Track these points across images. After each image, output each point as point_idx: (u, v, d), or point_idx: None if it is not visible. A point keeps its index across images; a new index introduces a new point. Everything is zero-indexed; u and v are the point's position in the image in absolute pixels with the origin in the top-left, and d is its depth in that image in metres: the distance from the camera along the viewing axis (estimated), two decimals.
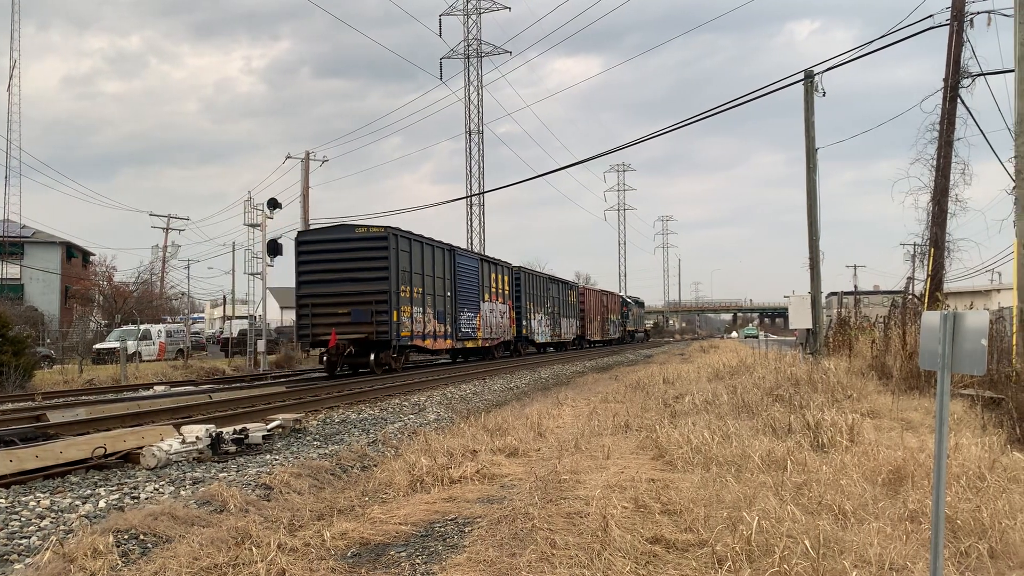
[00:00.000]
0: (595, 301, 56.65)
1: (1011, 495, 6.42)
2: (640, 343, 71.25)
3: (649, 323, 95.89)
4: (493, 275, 32.87)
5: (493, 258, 34.50)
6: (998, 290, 59.73)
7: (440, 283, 26.94)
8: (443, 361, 32.93)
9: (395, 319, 23.29)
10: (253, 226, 35.20)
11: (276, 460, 9.86)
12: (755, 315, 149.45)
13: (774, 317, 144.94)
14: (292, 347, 37.92)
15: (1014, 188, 12.95)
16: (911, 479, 6.91)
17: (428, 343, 25.78)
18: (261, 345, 32.81)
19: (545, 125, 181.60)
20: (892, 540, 5.50)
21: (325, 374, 23.77)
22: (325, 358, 23.25)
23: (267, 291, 36.12)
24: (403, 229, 24.80)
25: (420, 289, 25.23)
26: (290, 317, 55.92)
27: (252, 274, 34.98)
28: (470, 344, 29.81)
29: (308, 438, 11.72)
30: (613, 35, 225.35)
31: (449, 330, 27.57)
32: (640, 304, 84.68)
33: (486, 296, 31.54)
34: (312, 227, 32.98)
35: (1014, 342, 12.86)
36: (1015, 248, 12.86)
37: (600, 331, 56.80)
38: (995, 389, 11.86)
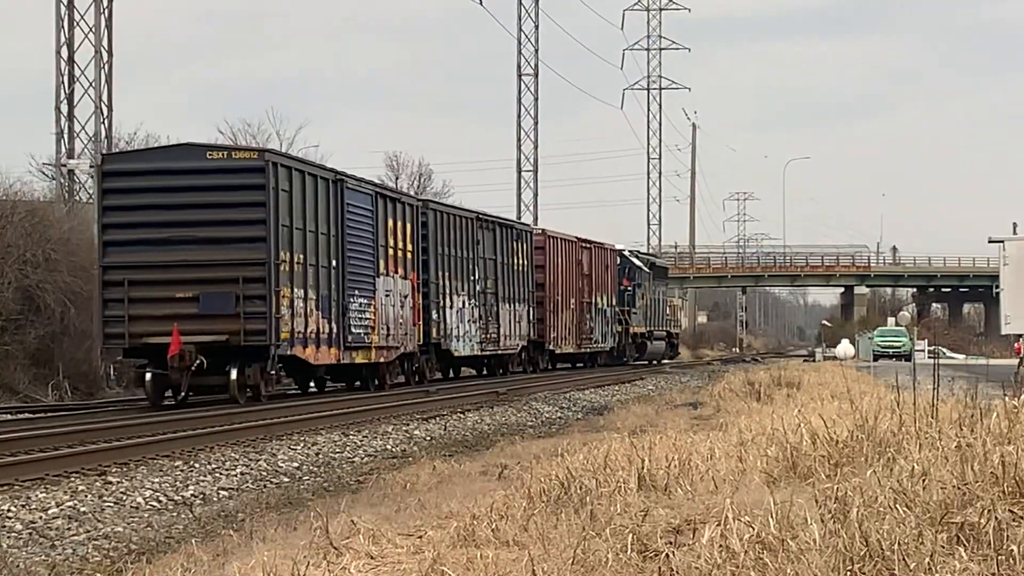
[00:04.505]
0: (566, 264, 40.51)
1: None
2: (647, 366, 48.68)
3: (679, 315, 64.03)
4: (392, 221, 27.85)
5: (391, 189, 30.96)
6: None
7: (324, 244, 24.31)
8: (293, 391, 27.33)
9: (275, 310, 21.86)
10: None
11: None
12: (908, 293, 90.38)
13: (956, 299, 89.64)
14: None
15: None
16: None
17: (309, 352, 23.64)
18: None
19: None
20: None
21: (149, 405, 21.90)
22: (149, 377, 21.61)
23: None
24: (281, 151, 23.85)
25: (302, 257, 23.16)
26: None
27: None
28: (360, 358, 26.40)
29: None
30: None
31: (335, 330, 24.82)
32: (660, 272, 55.91)
33: (382, 265, 27.25)
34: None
35: None
36: None
37: (575, 334, 41.07)
38: None
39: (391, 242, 27.86)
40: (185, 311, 21.53)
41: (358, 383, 28.18)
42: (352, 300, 25.71)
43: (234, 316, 21.56)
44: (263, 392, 22.50)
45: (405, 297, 28.57)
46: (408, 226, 28.80)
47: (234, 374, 21.49)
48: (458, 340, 32.02)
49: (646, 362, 51.83)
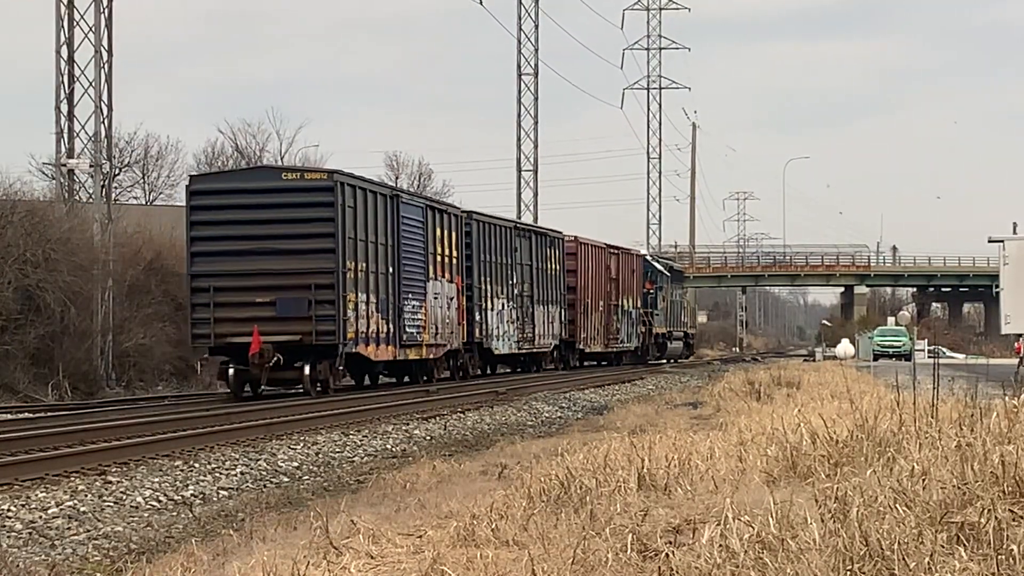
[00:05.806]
0: (595, 269, 43.15)
1: None
2: (647, 365, 48.67)
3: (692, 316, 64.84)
4: (439, 231, 30.38)
5: (438, 202, 32.94)
6: None
7: (382, 253, 26.73)
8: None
9: (342, 313, 24.11)
10: None
11: None
12: (908, 293, 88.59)
13: (956, 299, 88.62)
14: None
15: None
16: None
17: (370, 350, 26.02)
18: None
19: None
20: None
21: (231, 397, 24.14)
22: (232, 372, 23.75)
23: None
24: (346, 172, 25.93)
25: (364, 265, 25.57)
26: None
27: None
28: (412, 354, 28.72)
29: None
30: None
31: (392, 330, 27.16)
32: (678, 275, 58.82)
33: (431, 271, 29.77)
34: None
35: None
36: None
37: (603, 334, 43.67)
38: None
39: (439, 249, 30.16)
40: (264, 314, 23.77)
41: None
42: (406, 302, 27.91)
43: (307, 318, 23.82)
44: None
45: (451, 299, 30.98)
46: (453, 234, 31.25)
47: (307, 370, 23.79)
48: (498, 339, 34.60)
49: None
